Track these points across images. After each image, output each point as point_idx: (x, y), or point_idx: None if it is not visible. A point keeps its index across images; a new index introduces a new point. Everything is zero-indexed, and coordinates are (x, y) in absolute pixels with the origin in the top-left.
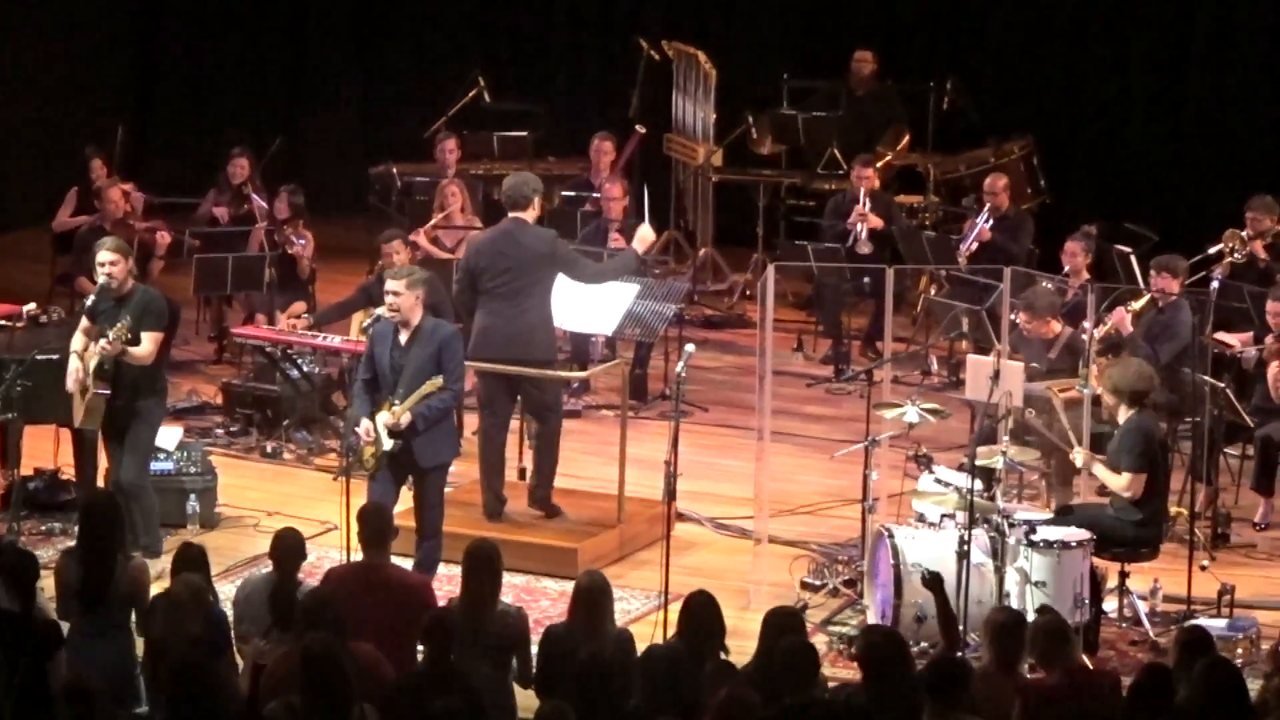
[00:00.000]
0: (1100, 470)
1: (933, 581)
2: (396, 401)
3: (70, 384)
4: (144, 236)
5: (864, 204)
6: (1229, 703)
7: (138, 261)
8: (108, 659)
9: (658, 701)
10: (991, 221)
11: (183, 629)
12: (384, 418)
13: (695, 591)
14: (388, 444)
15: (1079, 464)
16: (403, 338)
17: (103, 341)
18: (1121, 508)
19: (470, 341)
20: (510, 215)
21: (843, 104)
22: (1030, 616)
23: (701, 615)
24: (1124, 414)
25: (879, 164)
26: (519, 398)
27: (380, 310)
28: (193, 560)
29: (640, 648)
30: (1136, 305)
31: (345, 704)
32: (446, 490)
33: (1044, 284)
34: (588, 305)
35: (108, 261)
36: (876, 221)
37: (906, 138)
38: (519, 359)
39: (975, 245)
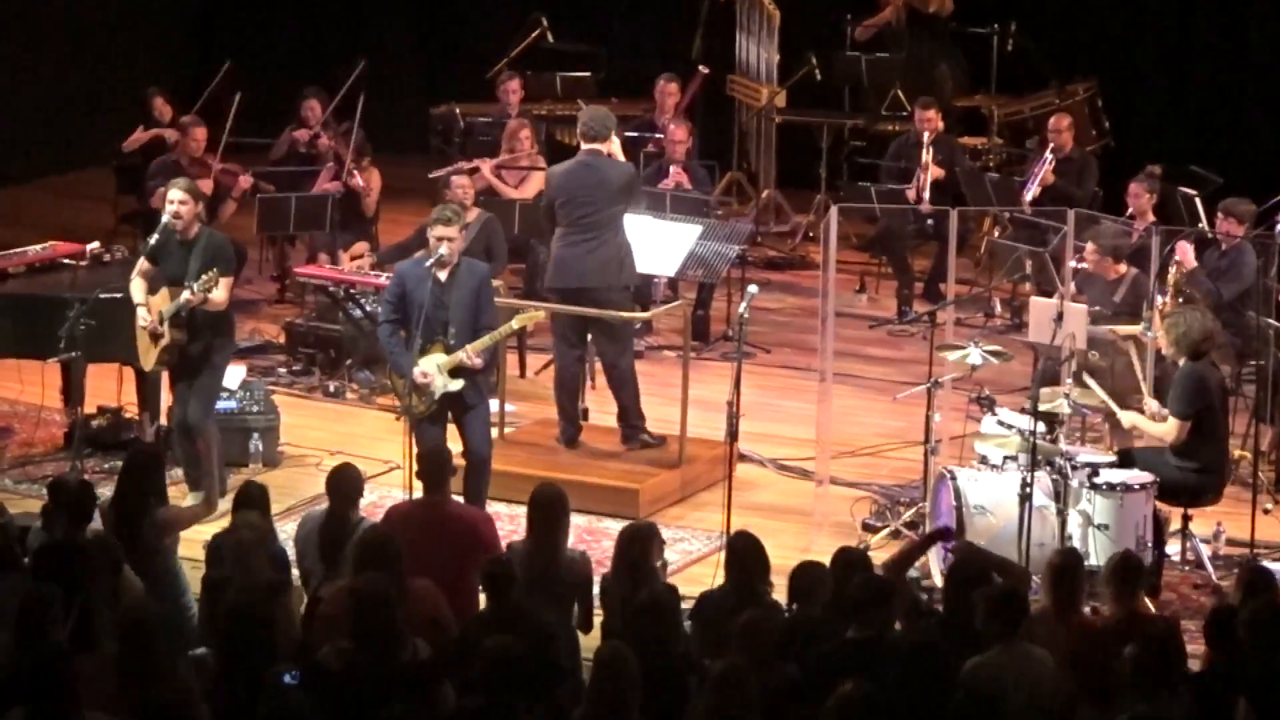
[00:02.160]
0: (1144, 423)
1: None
2: (451, 341)
3: (141, 331)
4: (220, 178)
5: (926, 155)
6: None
7: (209, 204)
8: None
9: (709, 646)
10: (1054, 163)
11: (249, 568)
12: (438, 359)
13: (736, 533)
14: (454, 385)
15: (1125, 425)
16: (443, 276)
17: (185, 294)
18: (1179, 454)
19: (550, 269)
20: (587, 148)
21: (904, 45)
22: (1093, 560)
23: (745, 556)
24: (1182, 362)
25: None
26: (589, 335)
27: (440, 250)
28: (252, 499)
29: (701, 589)
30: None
31: (395, 646)
32: (508, 430)
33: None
34: (650, 246)
35: (177, 200)
36: (938, 172)
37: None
38: (595, 289)
39: (1039, 189)
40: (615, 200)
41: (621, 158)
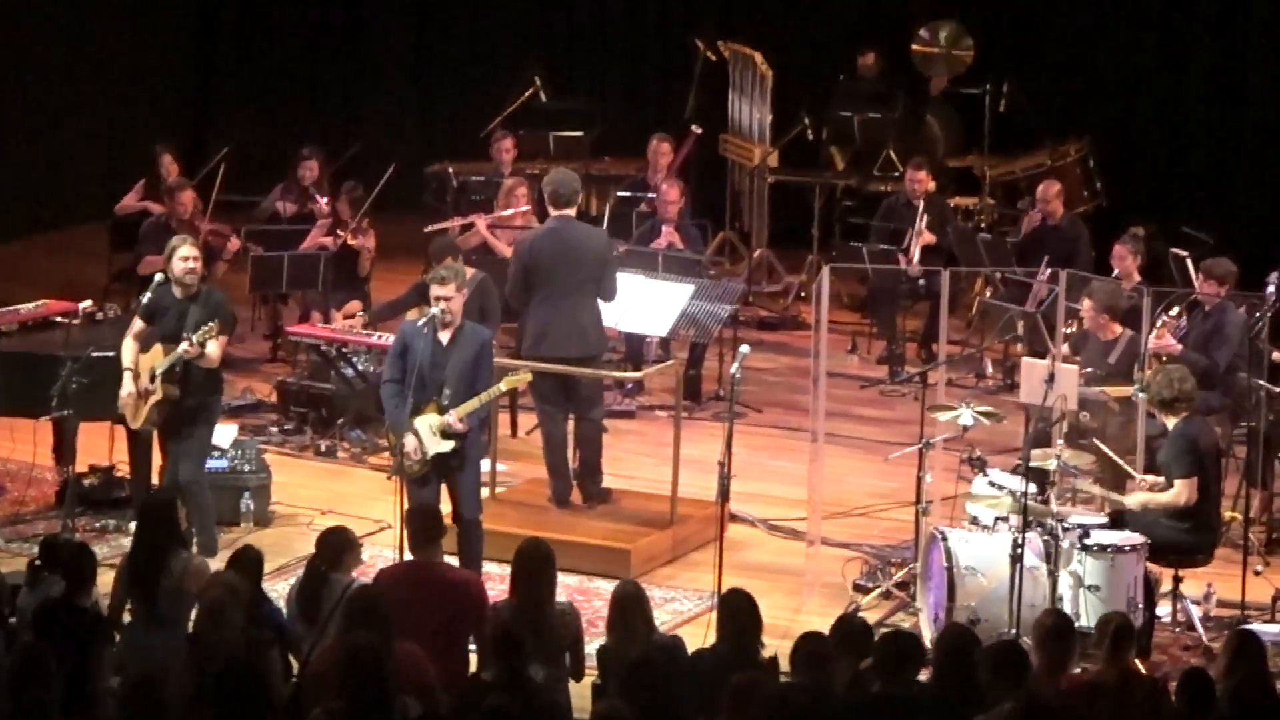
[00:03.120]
0: (1153, 498)
1: None
2: (445, 403)
3: (123, 402)
4: (211, 239)
5: (920, 222)
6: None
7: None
8: (159, 654)
9: (706, 705)
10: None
11: (221, 629)
12: (431, 420)
13: (730, 590)
14: (444, 446)
15: (1133, 507)
16: (444, 337)
17: (183, 345)
18: (1172, 515)
19: (528, 339)
20: (558, 213)
21: (899, 105)
22: (1084, 622)
23: (738, 614)
24: (1171, 422)
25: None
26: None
27: (434, 310)
28: (246, 562)
29: (692, 649)
30: (1173, 313)
31: (386, 704)
32: (499, 490)
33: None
34: (642, 306)
35: (191, 257)
36: (930, 238)
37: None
38: (578, 354)
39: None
40: (595, 266)
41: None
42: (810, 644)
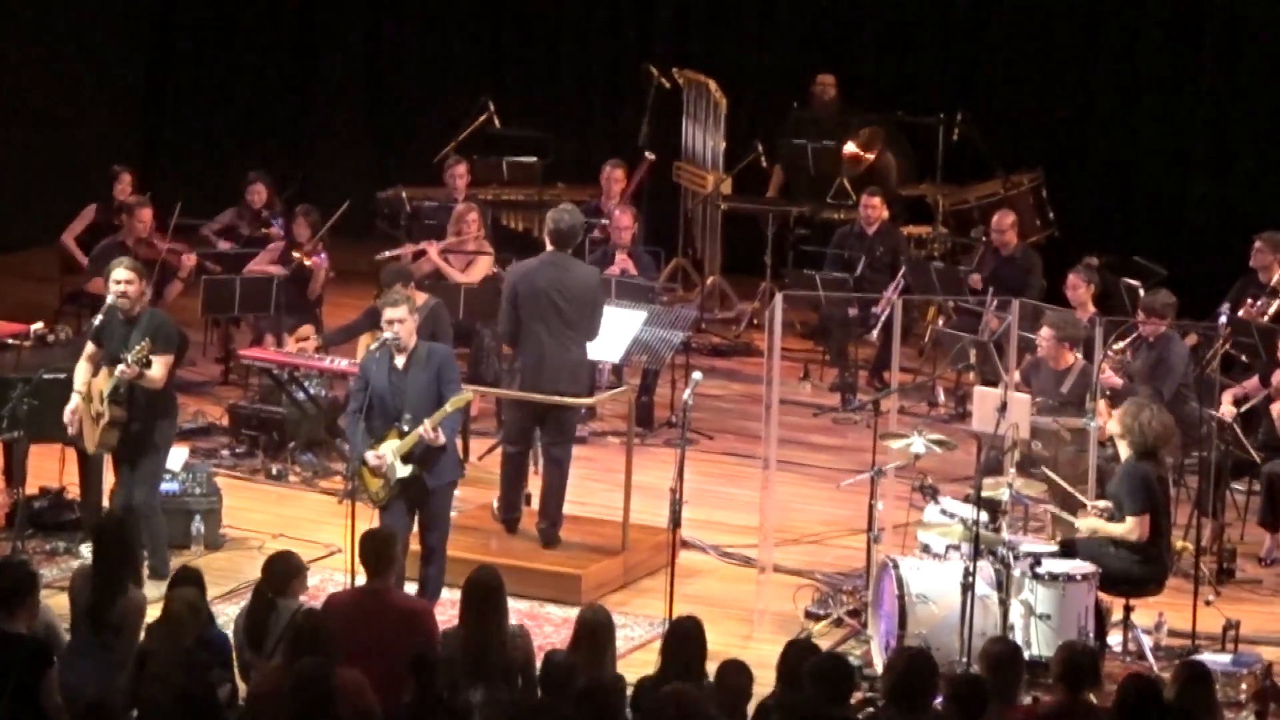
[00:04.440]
0: (1103, 527)
1: None
2: (405, 427)
3: (68, 420)
4: (168, 258)
5: (892, 292)
6: None
7: (156, 283)
8: (92, 679)
9: None
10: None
11: (177, 643)
12: (393, 445)
13: (677, 619)
14: (403, 471)
15: (1083, 531)
16: (399, 362)
17: (120, 366)
18: (1124, 546)
19: (524, 372)
20: (557, 250)
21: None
22: (1035, 650)
23: (683, 640)
24: (1125, 453)
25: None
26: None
27: (387, 335)
28: (189, 582)
29: (641, 673)
30: (1117, 347)
31: None
32: (452, 514)
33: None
34: None
35: (124, 280)
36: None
37: (875, 135)
38: (571, 392)
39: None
40: (587, 305)
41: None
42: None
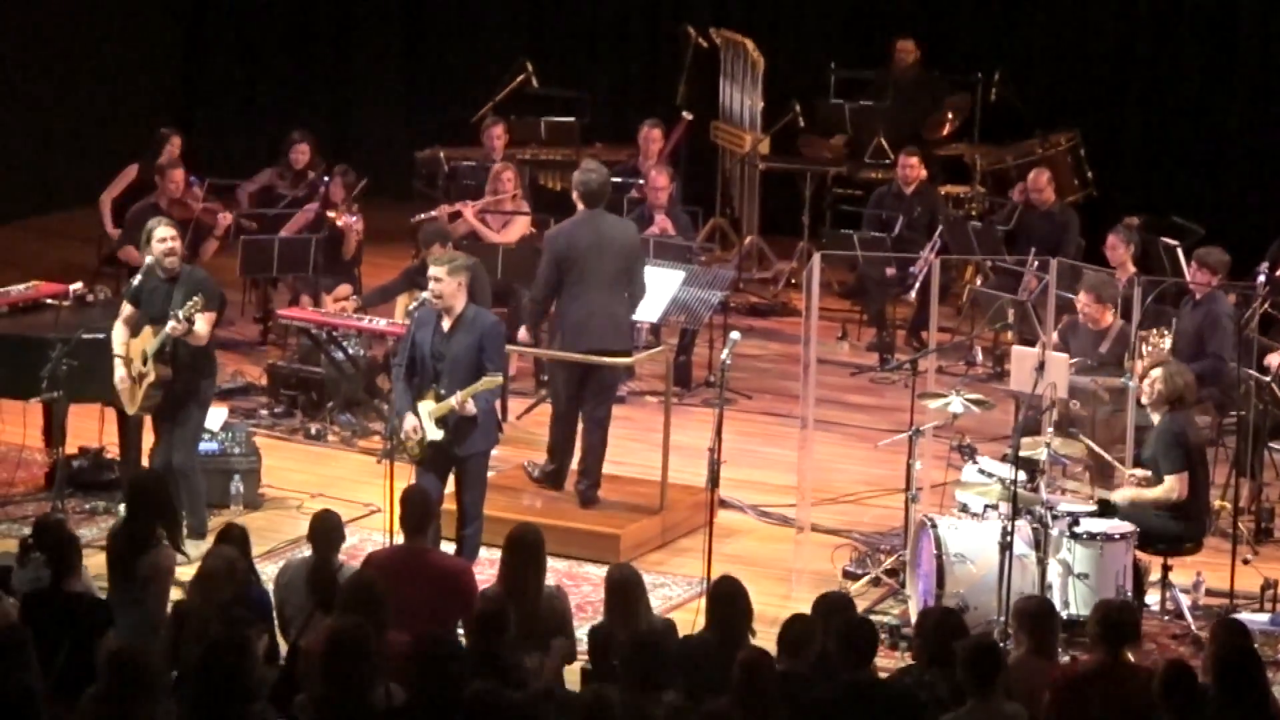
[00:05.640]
0: (1143, 494)
1: None
2: (442, 390)
3: (119, 384)
4: (203, 217)
5: (929, 250)
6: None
7: (191, 243)
8: (124, 632)
9: (693, 692)
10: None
11: (210, 599)
12: (428, 406)
13: (719, 579)
14: (435, 434)
15: (1122, 503)
16: (445, 324)
17: (171, 323)
18: (1162, 506)
19: (566, 332)
20: (590, 209)
21: (889, 94)
22: (1073, 610)
23: (727, 602)
24: (1157, 416)
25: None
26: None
27: (424, 294)
28: (233, 540)
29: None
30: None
31: (366, 689)
32: (489, 475)
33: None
34: None
35: (169, 237)
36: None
37: (949, 120)
38: (617, 348)
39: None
40: (628, 259)
41: None
42: (797, 627)
